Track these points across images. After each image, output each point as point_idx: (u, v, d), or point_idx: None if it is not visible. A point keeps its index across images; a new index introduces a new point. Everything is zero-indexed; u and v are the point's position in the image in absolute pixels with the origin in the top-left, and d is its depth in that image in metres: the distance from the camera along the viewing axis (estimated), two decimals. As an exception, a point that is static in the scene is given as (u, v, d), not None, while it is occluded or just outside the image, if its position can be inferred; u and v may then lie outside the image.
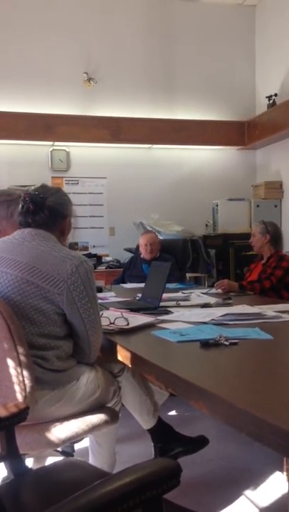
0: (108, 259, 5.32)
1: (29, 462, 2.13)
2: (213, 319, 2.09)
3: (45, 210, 1.78)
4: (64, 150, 5.41)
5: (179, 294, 2.99)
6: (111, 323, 1.96)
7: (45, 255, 1.69)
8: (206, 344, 1.62)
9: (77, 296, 1.67)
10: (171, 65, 5.69)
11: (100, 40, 5.44)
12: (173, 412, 3.02)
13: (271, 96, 5.34)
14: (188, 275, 4.89)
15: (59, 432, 1.66)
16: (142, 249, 4.18)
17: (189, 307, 2.52)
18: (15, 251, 1.73)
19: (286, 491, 2.16)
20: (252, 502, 2.10)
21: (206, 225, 5.69)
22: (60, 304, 1.67)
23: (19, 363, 1.54)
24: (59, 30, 5.31)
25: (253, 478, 2.28)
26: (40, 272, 1.65)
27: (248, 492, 2.16)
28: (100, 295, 2.63)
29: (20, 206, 1.81)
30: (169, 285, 3.18)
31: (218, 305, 2.55)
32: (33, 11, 5.22)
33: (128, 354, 1.69)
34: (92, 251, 5.37)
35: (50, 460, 2.10)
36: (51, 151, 5.37)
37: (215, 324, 1.99)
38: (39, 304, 1.65)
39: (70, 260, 1.68)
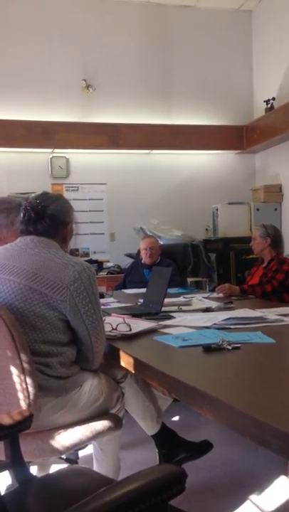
0: (109, 264, 5.32)
1: (33, 470, 2.13)
2: (215, 323, 2.10)
3: (46, 218, 1.79)
4: (64, 157, 5.42)
5: (181, 299, 3.00)
6: (113, 329, 1.96)
7: (48, 262, 1.69)
8: (208, 349, 1.62)
9: (80, 302, 1.67)
10: (168, 71, 5.71)
11: (98, 47, 5.47)
12: (176, 418, 3.01)
13: (269, 100, 5.36)
14: (189, 280, 4.89)
15: (63, 439, 1.66)
16: (142, 254, 4.20)
17: (191, 312, 2.52)
18: (17, 258, 1.73)
19: (291, 495, 2.15)
20: (257, 507, 2.09)
21: (206, 229, 5.69)
22: (63, 310, 1.67)
23: (22, 371, 1.54)
24: (57, 38, 5.33)
25: (258, 482, 2.27)
26: (42, 279, 1.66)
27: (252, 497, 2.16)
28: (101, 301, 2.64)
29: (21, 215, 1.82)
30: (170, 290, 3.18)
31: (219, 309, 2.55)
32: (31, 19, 5.25)
33: (131, 360, 1.69)
34: (93, 257, 5.37)
35: (55, 467, 2.09)
36: (51, 158, 5.39)
37: (217, 328, 2.00)
38: (42, 310, 1.65)
39: (72, 267, 1.68)
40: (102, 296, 3.20)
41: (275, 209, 5.46)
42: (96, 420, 1.75)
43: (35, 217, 1.78)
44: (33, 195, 1.90)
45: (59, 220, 1.82)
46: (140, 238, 4.59)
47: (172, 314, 2.41)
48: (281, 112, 5.09)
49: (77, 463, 2.36)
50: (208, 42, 5.79)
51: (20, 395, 1.54)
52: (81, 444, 1.73)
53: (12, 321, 1.55)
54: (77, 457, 2.43)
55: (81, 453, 2.43)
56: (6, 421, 1.32)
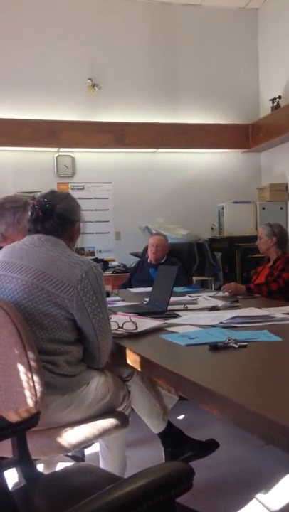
0: (114, 263, 5.32)
1: (40, 467, 2.13)
2: (221, 322, 2.09)
3: (54, 217, 1.80)
4: (69, 156, 5.43)
5: (187, 298, 2.99)
6: (119, 328, 1.97)
7: (55, 261, 1.70)
8: (215, 347, 1.62)
9: (87, 301, 1.68)
10: (174, 70, 5.71)
11: (103, 46, 5.47)
12: (182, 416, 3.01)
13: (275, 98, 5.34)
14: (194, 278, 4.88)
15: (70, 436, 1.67)
16: (149, 250, 4.22)
17: (197, 310, 2.52)
18: (25, 257, 1.74)
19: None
20: (263, 505, 2.09)
21: (212, 228, 5.68)
22: (70, 309, 1.67)
23: (29, 368, 1.54)
24: (62, 37, 5.34)
25: (264, 481, 2.27)
26: (50, 278, 1.66)
27: (259, 495, 2.16)
28: (107, 299, 2.64)
29: (29, 213, 1.82)
30: (176, 289, 3.18)
31: (226, 308, 2.55)
32: (36, 19, 5.25)
33: (137, 358, 1.69)
34: (99, 256, 5.38)
35: (61, 465, 2.10)
36: (56, 157, 5.40)
37: (223, 327, 1.99)
38: (49, 309, 1.66)
39: (79, 266, 1.69)
40: (108, 294, 3.21)
41: (281, 208, 5.44)
42: (102, 418, 1.75)
43: (43, 215, 1.79)
44: (40, 193, 1.91)
45: (67, 219, 1.83)
46: (146, 237, 4.59)
47: (178, 313, 2.41)
48: (287, 111, 5.07)
49: (83, 460, 2.36)
50: (214, 40, 5.77)
51: (28, 393, 1.55)
52: (87, 442, 1.74)
53: (19, 319, 1.56)
54: (84, 455, 2.44)
55: (87, 451, 2.44)
56: (14, 418, 1.32)
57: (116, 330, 1.94)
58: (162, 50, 5.66)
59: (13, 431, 1.31)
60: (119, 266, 5.27)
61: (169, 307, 2.49)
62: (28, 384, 1.55)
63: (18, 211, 2.25)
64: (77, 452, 2.33)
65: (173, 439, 2.20)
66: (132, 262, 4.97)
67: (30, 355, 1.54)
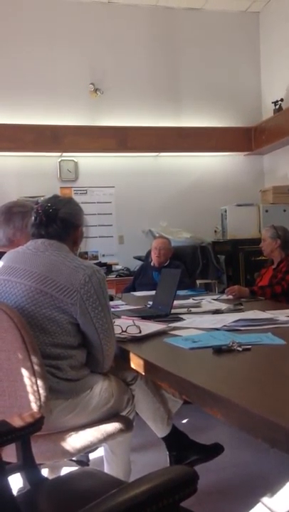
0: (118, 267, 5.33)
1: (44, 472, 2.13)
2: (225, 325, 2.09)
3: (58, 221, 1.80)
4: (72, 160, 5.45)
5: (190, 301, 2.99)
6: (123, 331, 1.97)
7: (58, 265, 1.70)
8: (218, 350, 1.62)
9: (91, 305, 1.68)
10: (176, 73, 5.72)
11: (105, 51, 5.49)
12: (187, 420, 3.00)
13: (277, 101, 5.35)
14: (198, 282, 4.88)
15: (74, 441, 1.67)
16: (152, 254, 4.22)
17: (201, 314, 2.52)
18: (28, 261, 1.74)
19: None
20: (268, 509, 2.08)
21: (215, 231, 5.68)
22: (74, 313, 1.68)
23: (33, 373, 1.55)
24: (65, 42, 5.37)
25: (269, 485, 2.26)
26: (53, 282, 1.67)
27: (264, 499, 2.15)
28: (110, 303, 2.64)
29: (33, 218, 1.83)
30: (180, 292, 3.18)
31: (229, 311, 2.54)
32: (39, 24, 5.28)
33: (141, 362, 1.69)
34: (102, 260, 5.38)
35: (66, 470, 2.09)
36: (59, 162, 5.41)
37: (227, 330, 1.99)
38: (52, 313, 1.66)
39: (82, 270, 1.69)
40: (111, 298, 3.21)
41: (284, 210, 5.42)
42: (107, 422, 1.75)
43: (47, 220, 1.80)
44: (43, 198, 1.92)
45: (70, 223, 1.83)
46: (149, 241, 4.60)
47: (182, 316, 2.41)
48: (289, 113, 5.08)
49: (88, 465, 2.36)
50: (216, 44, 5.79)
51: (32, 397, 1.55)
52: (92, 446, 1.73)
53: (23, 324, 1.56)
54: (88, 459, 2.43)
55: (92, 455, 2.43)
56: (18, 423, 1.32)
57: (120, 334, 1.94)
58: (164, 54, 5.68)
59: (17, 435, 1.32)
60: (122, 270, 5.27)
61: (173, 310, 2.49)
62: (32, 388, 1.55)
63: (26, 216, 2.26)
64: (81, 457, 2.33)
65: (177, 443, 2.20)
66: (135, 265, 4.97)
67: (34, 359, 1.54)
